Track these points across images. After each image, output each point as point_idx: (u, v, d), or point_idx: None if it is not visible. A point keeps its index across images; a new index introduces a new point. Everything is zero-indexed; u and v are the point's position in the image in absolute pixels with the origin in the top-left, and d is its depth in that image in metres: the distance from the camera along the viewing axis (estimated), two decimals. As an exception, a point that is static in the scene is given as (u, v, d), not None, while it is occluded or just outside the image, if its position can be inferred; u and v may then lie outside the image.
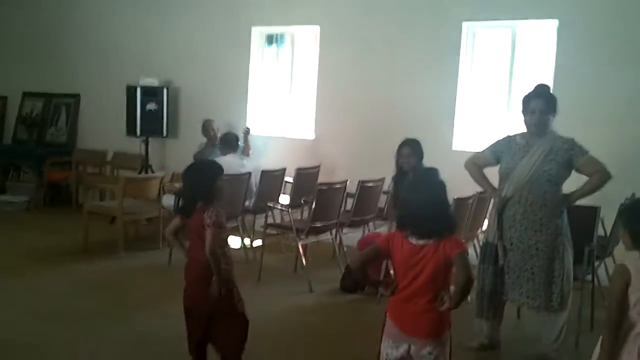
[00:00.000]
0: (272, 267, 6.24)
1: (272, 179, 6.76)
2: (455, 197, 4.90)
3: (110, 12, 9.37)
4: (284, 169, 6.96)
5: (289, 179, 7.02)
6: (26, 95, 10.28)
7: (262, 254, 6.07)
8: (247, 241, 6.64)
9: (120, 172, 8.79)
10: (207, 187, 3.54)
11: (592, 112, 6.21)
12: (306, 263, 5.85)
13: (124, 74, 8.84)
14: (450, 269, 2.76)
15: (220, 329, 3.59)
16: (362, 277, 3.03)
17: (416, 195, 2.86)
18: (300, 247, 5.80)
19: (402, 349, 2.80)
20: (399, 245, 2.82)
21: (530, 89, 4.13)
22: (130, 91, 8.55)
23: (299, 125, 8.17)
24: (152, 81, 8.61)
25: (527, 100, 4.05)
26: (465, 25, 6.96)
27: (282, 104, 8.38)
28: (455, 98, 6.98)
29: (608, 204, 4.72)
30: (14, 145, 10.11)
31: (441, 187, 2.90)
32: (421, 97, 7.09)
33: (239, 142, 7.19)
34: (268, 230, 6.25)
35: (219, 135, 7.49)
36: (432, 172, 3.01)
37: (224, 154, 6.76)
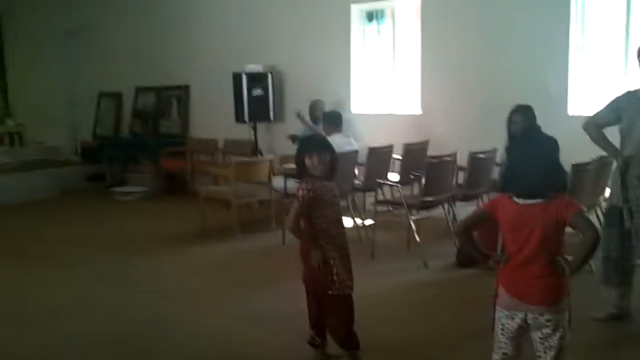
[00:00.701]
0: (385, 245, 6.22)
1: (379, 156, 6.70)
2: (574, 163, 4.67)
3: (211, 4, 9.60)
4: (392, 146, 6.88)
5: (397, 156, 6.95)
6: (139, 89, 10.75)
7: (374, 229, 6.05)
8: (358, 220, 6.63)
9: (231, 158, 9.00)
10: (297, 162, 3.60)
11: None
12: (419, 239, 5.77)
13: (229, 63, 9.02)
14: (563, 232, 2.61)
15: (325, 306, 3.61)
16: (467, 243, 2.90)
17: (523, 150, 2.70)
18: (412, 222, 5.72)
19: (518, 318, 2.67)
20: (505, 206, 2.68)
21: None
22: (236, 78, 8.72)
23: (404, 101, 8.06)
24: (256, 67, 8.75)
25: None
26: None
27: (386, 81, 8.29)
28: (568, 59, 6.61)
29: None
30: (131, 138, 10.60)
31: (551, 142, 2.72)
32: (531, 66, 6.78)
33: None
34: (379, 207, 6.21)
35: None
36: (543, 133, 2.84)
37: (328, 133, 6.75)
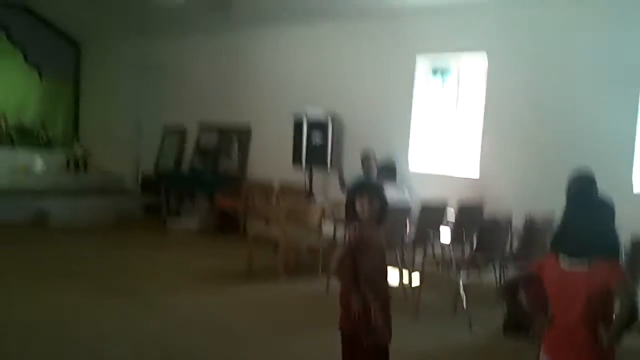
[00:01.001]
0: (431, 304, 6.06)
1: (432, 212, 6.57)
2: (635, 241, 4.47)
3: (279, 48, 9.82)
4: (446, 202, 6.75)
5: (451, 216, 6.81)
6: (203, 126, 10.97)
7: (421, 287, 5.91)
8: (405, 275, 6.50)
9: (283, 201, 9.04)
10: (347, 206, 3.58)
11: None
12: (467, 302, 5.59)
13: (291, 107, 9.13)
14: (609, 300, 2.47)
15: (359, 354, 3.51)
16: (512, 303, 2.81)
17: (577, 209, 2.61)
18: (460, 282, 5.57)
19: None
20: (551, 268, 2.58)
21: None
22: (297, 123, 8.81)
23: (462, 162, 7.92)
24: (317, 113, 8.81)
25: None
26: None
27: (446, 139, 8.20)
28: (635, 133, 6.41)
29: None
30: (190, 173, 10.79)
31: (607, 205, 2.61)
32: (598, 128, 6.58)
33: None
34: (427, 265, 6.08)
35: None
36: (599, 195, 2.72)
37: (382, 183, 6.67)
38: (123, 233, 9.21)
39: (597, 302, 2.49)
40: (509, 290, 2.81)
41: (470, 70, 8.01)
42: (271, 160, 9.69)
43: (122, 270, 6.98)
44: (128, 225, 9.69)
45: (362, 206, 3.47)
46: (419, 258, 6.37)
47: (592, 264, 2.49)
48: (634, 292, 2.48)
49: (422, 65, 8.34)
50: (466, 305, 5.58)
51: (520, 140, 7.20)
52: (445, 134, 8.20)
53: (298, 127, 8.81)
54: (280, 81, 9.76)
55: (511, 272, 5.95)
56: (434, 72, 8.39)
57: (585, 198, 2.70)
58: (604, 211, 2.60)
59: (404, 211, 6.33)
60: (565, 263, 2.56)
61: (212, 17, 9.91)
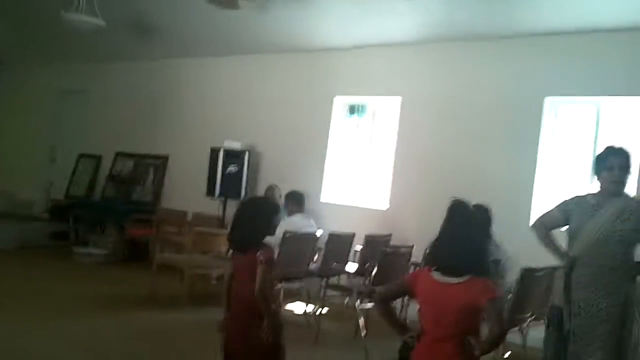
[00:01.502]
0: (332, 332, 6.10)
1: (339, 242, 6.65)
2: (524, 268, 4.64)
3: (201, 79, 9.85)
4: (353, 234, 6.84)
5: (358, 247, 6.90)
6: (119, 155, 10.78)
7: (320, 314, 5.92)
8: (310, 306, 6.51)
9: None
10: (268, 223, 3.53)
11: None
12: (367, 330, 5.63)
13: (209, 138, 9.13)
14: (479, 315, 2.56)
15: None
16: (384, 314, 2.86)
17: (449, 227, 2.70)
18: (358, 311, 5.61)
19: None
20: (424, 281, 2.66)
21: (605, 148, 3.90)
22: (214, 153, 8.79)
23: (373, 194, 8.11)
24: (235, 144, 8.83)
25: (604, 157, 3.81)
26: (547, 100, 6.81)
27: (358, 173, 8.38)
28: (535, 173, 6.75)
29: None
30: (101, 202, 10.53)
31: (476, 220, 2.72)
32: (499, 170, 6.92)
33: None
34: (331, 294, 6.11)
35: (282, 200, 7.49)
36: (477, 206, 2.81)
37: (289, 213, 6.72)
38: (24, 259, 8.82)
39: (466, 316, 2.56)
40: (382, 299, 2.87)
41: (385, 110, 8.26)
42: (186, 190, 9.59)
43: (19, 294, 6.68)
44: (31, 251, 9.31)
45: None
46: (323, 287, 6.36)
47: (464, 281, 2.57)
48: (502, 313, 2.57)
49: (339, 104, 8.55)
50: (365, 334, 5.61)
51: (426, 175, 7.45)
52: (358, 168, 8.38)
53: (214, 158, 8.79)
54: (200, 112, 9.77)
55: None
56: (351, 110, 8.61)
57: (460, 219, 2.77)
58: (471, 225, 2.69)
59: (310, 240, 6.35)
60: (438, 276, 2.63)
61: (134, 45, 9.87)
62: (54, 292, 7.00)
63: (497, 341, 2.53)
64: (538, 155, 6.78)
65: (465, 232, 2.66)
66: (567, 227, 3.91)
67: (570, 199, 3.98)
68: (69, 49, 10.82)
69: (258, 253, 3.39)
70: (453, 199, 2.82)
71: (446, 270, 2.61)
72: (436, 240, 2.74)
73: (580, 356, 3.70)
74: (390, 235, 7.07)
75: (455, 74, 7.47)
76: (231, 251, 3.68)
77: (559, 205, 4.00)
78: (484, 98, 7.21)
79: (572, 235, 3.85)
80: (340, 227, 7.49)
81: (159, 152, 10.28)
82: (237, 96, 9.40)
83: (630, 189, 3.89)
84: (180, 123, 9.99)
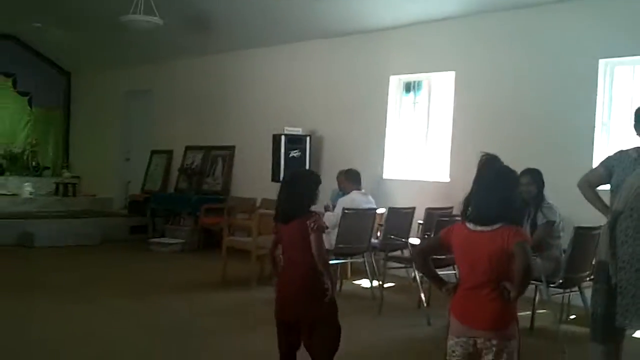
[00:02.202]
0: (396, 304, 6.26)
1: (400, 217, 6.75)
2: (576, 226, 4.65)
3: (259, 69, 10.15)
4: (414, 208, 6.93)
5: (420, 221, 6.99)
6: (188, 148, 11.22)
7: (383, 287, 6.07)
8: (374, 281, 6.67)
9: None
10: (311, 193, 3.68)
11: None
12: (428, 298, 5.75)
13: (271, 125, 9.38)
14: (512, 260, 2.64)
15: (318, 338, 3.63)
16: (423, 267, 3.00)
17: (479, 179, 2.80)
18: (418, 280, 5.73)
19: (468, 344, 2.70)
20: (458, 233, 2.77)
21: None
22: (276, 140, 9.04)
23: (434, 169, 8.17)
24: (296, 130, 9.06)
25: None
26: (602, 62, 6.69)
27: (418, 149, 8.45)
28: (593, 136, 6.66)
29: None
30: (175, 194, 11.00)
31: (507, 174, 2.81)
32: (556, 135, 6.88)
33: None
34: (394, 267, 6.25)
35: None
36: (505, 166, 2.90)
37: (347, 190, 6.86)
38: (106, 252, 9.36)
39: (499, 262, 2.66)
40: (421, 253, 3.00)
41: (440, 85, 8.29)
42: (254, 178, 9.89)
43: (98, 282, 7.13)
44: (113, 245, 9.85)
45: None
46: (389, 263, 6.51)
47: (495, 228, 2.68)
48: (530, 254, 2.66)
49: (395, 82, 8.63)
50: (427, 304, 5.73)
51: (484, 146, 7.29)
52: (419, 143, 8.45)
53: (277, 145, 9.03)
54: (261, 101, 10.05)
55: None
56: (407, 87, 8.68)
57: (488, 170, 2.88)
58: (501, 178, 2.79)
59: (370, 216, 6.49)
60: (471, 226, 2.74)
61: (191, 41, 10.24)
62: (132, 279, 7.45)
63: (524, 281, 2.60)
64: (596, 118, 6.68)
65: (494, 184, 2.76)
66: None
67: (613, 155, 3.98)
68: (130, 52, 11.37)
69: (309, 221, 3.56)
70: (483, 153, 2.93)
71: (478, 220, 2.72)
72: (469, 193, 2.85)
73: (629, 308, 3.69)
74: (451, 207, 7.09)
75: (507, 44, 7.43)
76: (275, 222, 3.83)
77: (602, 162, 4.01)
78: (537, 65, 7.15)
79: (614, 190, 3.85)
80: (405, 202, 7.59)
81: (226, 143, 10.64)
82: (294, 83, 9.63)
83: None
84: (242, 113, 10.31)
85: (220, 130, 10.67)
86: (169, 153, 11.64)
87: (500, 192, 2.74)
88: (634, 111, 3.89)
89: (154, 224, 10.79)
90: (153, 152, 11.91)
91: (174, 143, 11.44)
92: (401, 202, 7.62)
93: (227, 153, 10.66)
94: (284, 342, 3.71)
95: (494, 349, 2.65)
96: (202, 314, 5.84)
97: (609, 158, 4.00)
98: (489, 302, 2.67)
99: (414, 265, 5.53)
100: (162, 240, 9.86)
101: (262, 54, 10.12)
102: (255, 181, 9.79)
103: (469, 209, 2.82)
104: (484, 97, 7.59)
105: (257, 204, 9.71)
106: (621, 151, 3.96)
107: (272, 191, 9.30)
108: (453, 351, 2.75)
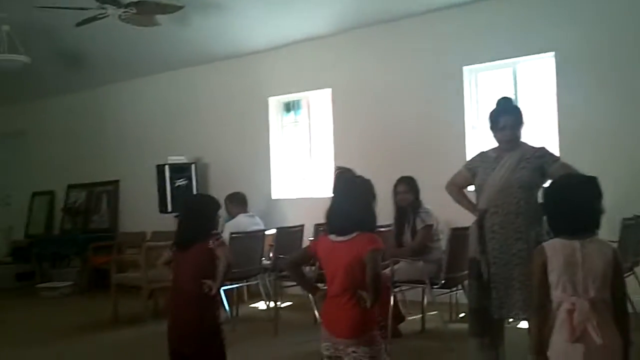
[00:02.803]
0: (292, 322, 6.30)
1: (289, 236, 6.81)
2: (451, 227, 4.88)
3: (134, 101, 10.04)
4: (302, 225, 7.02)
5: (311, 238, 7.07)
6: (71, 187, 10.85)
7: (278, 307, 6.10)
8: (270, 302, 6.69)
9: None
10: (214, 218, 3.79)
11: (597, 140, 6.19)
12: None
13: (155, 155, 9.25)
14: (365, 267, 2.77)
15: None
16: (295, 277, 3.11)
17: (335, 191, 2.93)
18: (311, 297, 5.79)
19: (332, 349, 2.82)
20: (322, 244, 2.89)
21: (495, 104, 4.15)
22: (160, 170, 8.91)
23: (320, 185, 8.31)
24: (180, 158, 8.97)
25: (495, 116, 4.07)
26: (466, 69, 7.08)
27: (303, 167, 8.58)
28: (464, 140, 7.01)
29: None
30: (60, 236, 10.59)
31: (359, 184, 2.95)
32: (431, 142, 7.20)
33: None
34: (287, 283, 6.29)
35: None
36: (359, 177, 3.03)
37: (233, 214, 6.88)
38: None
39: (354, 271, 2.78)
40: (291, 266, 3.09)
41: (319, 102, 8.48)
42: (141, 211, 9.68)
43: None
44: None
45: None
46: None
47: (352, 237, 2.79)
48: (379, 262, 2.80)
49: (274, 103, 8.74)
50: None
51: (365, 159, 7.57)
52: (303, 161, 8.60)
53: (161, 175, 8.91)
54: (142, 132, 9.90)
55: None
56: (287, 107, 8.81)
57: (342, 181, 3.01)
58: (358, 191, 2.93)
59: (258, 238, 6.52)
60: (333, 237, 2.86)
61: (64, 78, 9.94)
62: (19, 325, 7.13)
63: (374, 288, 2.73)
64: (465, 121, 7.05)
65: (347, 194, 2.89)
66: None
67: (475, 156, 4.23)
68: (4, 91, 10.86)
69: (210, 240, 3.60)
70: (337, 168, 3.06)
71: (337, 231, 2.84)
72: (330, 206, 2.95)
73: (503, 301, 3.93)
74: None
75: (378, 57, 7.72)
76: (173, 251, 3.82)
77: (465, 164, 4.26)
78: (407, 75, 7.48)
79: (479, 190, 4.09)
80: (295, 220, 7.65)
81: (109, 178, 10.37)
82: (175, 111, 9.57)
83: (527, 137, 4.13)
84: (124, 146, 10.11)
85: (103, 165, 10.40)
86: (51, 194, 11.21)
87: (353, 201, 2.88)
88: (488, 115, 4.15)
89: (41, 269, 10.32)
90: (34, 194, 11.42)
91: (55, 183, 11.04)
92: (292, 221, 7.69)
93: (112, 188, 10.39)
94: None
95: (354, 355, 2.75)
96: (96, 354, 5.67)
97: (471, 160, 4.25)
98: (348, 310, 2.79)
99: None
100: (50, 284, 9.44)
101: (138, 85, 9.98)
102: (143, 214, 9.58)
103: (328, 221, 2.93)
104: (360, 111, 7.85)
105: (148, 237, 9.52)
106: (481, 153, 4.21)
107: (161, 223, 9.18)
108: (324, 356, 2.87)
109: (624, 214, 5.29)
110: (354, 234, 2.81)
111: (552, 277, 2.48)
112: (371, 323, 2.83)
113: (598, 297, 2.42)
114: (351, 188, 2.93)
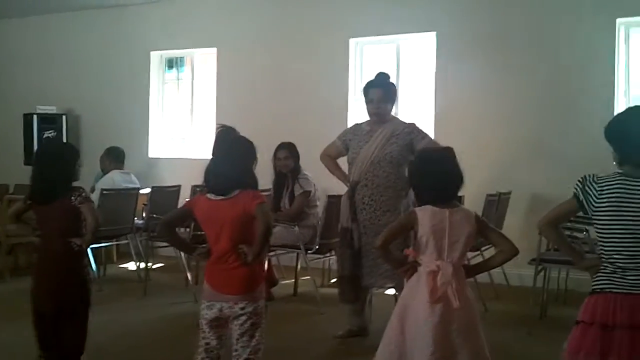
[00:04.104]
0: (163, 284, 6.19)
1: (165, 196, 6.63)
2: (328, 195, 4.99)
3: (5, 44, 9.32)
4: (179, 186, 6.86)
5: (188, 198, 6.93)
6: None
7: (149, 269, 5.97)
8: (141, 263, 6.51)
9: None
10: (72, 168, 3.48)
11: (468, 119, 6.45)
12: (195, 276, 5.73)
13: (22, 104, 8.68)
14: (253, 223, 2.76)
15: (68, 328, 3.47)
16: (167, 236, 3.08)
17: (216, 150, 2.89)
18: (184, 259, 5.71)
19: (216, 307, 2.80)
20: (200, 204, 2.84)
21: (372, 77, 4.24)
22: (27, 120, 8.38)
23: (201, 146, 8.14)
24: (50, 108, 8.48)
25: (366, 89, 4.18)
26: (352, 41, 7.15)
27: (184, 127, 8.37)
28: (347, 108, 7.09)
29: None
30: None
31: (241, 143, 2.91)
32: (312, 109, 7.22)
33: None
34: (158, 244, 6.15)
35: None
36: (241, 137, 3.00)
37: (108, 169, 6.61)
38: None
39: (242, 226, 2.75)
40: (165, 226, 3.01)
41: (204, 61, 8.26)
42: (3, 162, 9.06)
43: None
44: None
45: None
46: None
47: (234, 195, 2.75)
48: (270, 214, 2.79)
49: (157, 58, 8.43)
50: (196, 282, 5.72)
51: (245, 121, 7.49)
52: (183, 121, 8.38)
53: (28, 124, 8.38)
54: (8, 79, 9.24)
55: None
56: (169, 64, 8.53)
57: (222, 141, 2.96)
58: (238, 150, 2.90)
59: (131, 196, 6.30)
60: (212, 196, 2.79)
61: None
62: None
63: (264, 239, 2.75)
64: (349, 93, 7.14)
65: (229, 153, 2.85)
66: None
67: (349, 128, 4.34)
68: None
69: (73, 196, 3.36)
70: (219, 125, 2.99)
71: (217, 190, 2.78)
72: (208, 165, 2.89)
73: (372, 269, 4.06)
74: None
75: (265, 18, 7.63)
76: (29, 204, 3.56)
77: (339, 136, 4.33)
78: (294, 43, 7.44)
79: (351, 162, 4.18)
80: (173, 180, 7.46)
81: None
82: (46, 59, 8.98)
83: (405, 113, 4.25)
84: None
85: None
86: None
87: (234, 161, 2.84)
88: (363, 86, 4.23)
89: None
90: None
91: None
92: (170, 181, 7.46)
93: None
94: (42, 333, 3.49)
95: (240, 312, 2.76)
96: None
97: (344, 132, 4.33)
98: (235, 268, 2.77)
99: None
100: None
101: (7, 27, 9.27)
102: (7, 166, 8.97)
103: (206, 180, 2.87)
104: (245, 75, 7.73)
105: (10, 191, 8.96)
106: (355, 125, 4.30)
107: (25, 176, 8.61)
108: (204, 315, 2.84)
109: (488, 191, 5.59)
110: (236, 192, 2.76)
111: (421, 241, 2.60)
112: (260, 279, 2.84)
113: (458, 263, 2.61)
114: (232, 147, 2.88)
